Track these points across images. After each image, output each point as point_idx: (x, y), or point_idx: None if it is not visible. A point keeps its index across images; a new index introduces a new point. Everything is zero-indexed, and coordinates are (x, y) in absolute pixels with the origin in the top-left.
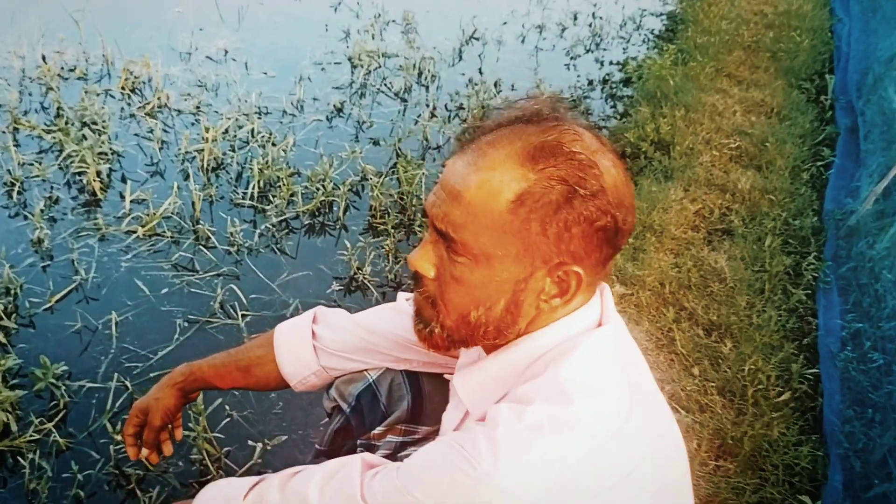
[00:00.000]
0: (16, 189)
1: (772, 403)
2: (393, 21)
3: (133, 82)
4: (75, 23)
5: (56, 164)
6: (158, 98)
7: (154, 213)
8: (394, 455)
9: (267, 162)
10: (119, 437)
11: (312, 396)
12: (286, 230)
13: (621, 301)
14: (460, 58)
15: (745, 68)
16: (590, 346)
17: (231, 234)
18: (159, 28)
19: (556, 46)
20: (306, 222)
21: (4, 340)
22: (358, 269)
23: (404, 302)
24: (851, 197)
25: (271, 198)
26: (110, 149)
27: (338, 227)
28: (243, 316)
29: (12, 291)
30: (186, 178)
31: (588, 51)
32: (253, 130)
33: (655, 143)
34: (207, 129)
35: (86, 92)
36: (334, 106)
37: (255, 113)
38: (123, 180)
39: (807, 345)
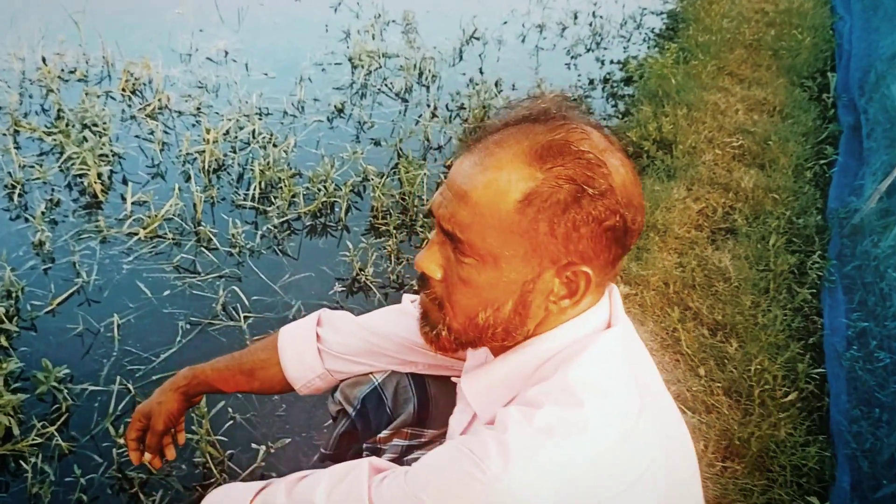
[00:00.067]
0: (17, 191)
1: (778, 404)
2: (393, 21)
3: (133, 84)
4: (75, 24)
5: (57, 167)
6: (159, 99)
7: (155, 215)
8: (400, 459)
9: (268, 163)
10: (122, 441)
11: (316, 399)
12: (288, 231)
13: (625, 301)
14: (461, 57)
15: (747, 66)
16: (599, 347)
17: (233, 235)
18: (159, 29)
19: (556, 46)
20: (308, 223)
21: (6, 344)
22: (360, 270)
23: (409, 304)
24: (855, 195)
25: (273, 199)
26: (111, 151)
27: (340, 227)
28: (245, 318)
29: (14, 294)
30: (188, 179)
31: (589, 50)
32: (254, 131)
33: (658, 142)
34: (208, 131)
35: (86, 94)
36: (335, 106)
37: (256, 114)
38: (124, 182)
39: (812, 344)
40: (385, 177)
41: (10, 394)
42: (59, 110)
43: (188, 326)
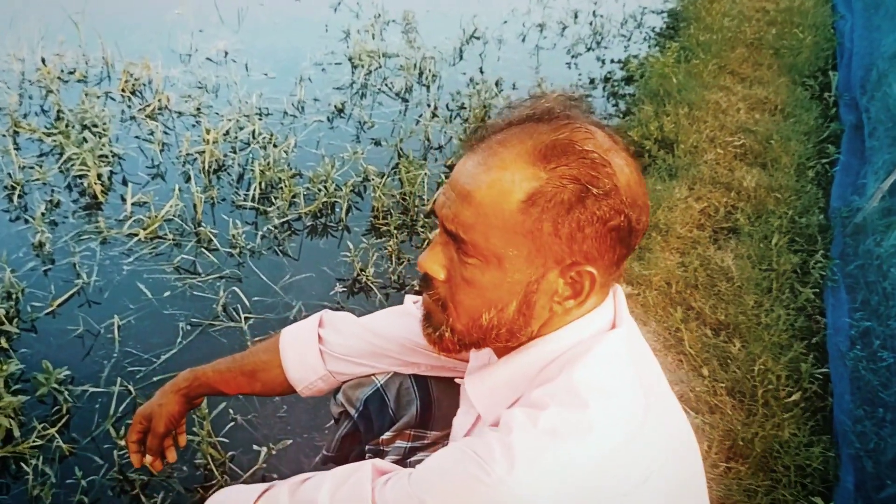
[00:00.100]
0: (16, 192)
1: (782, 404)
2: (393, 21)
3: (133, 84)
4: (75, 25)
5: (57, 168)
6: (159, 100)
7: (155, 216)
8: (403, 460)
9: (268, 163)
10: (123, 443)
11: (317, 400)
12: (288, 232)
13: (628, 301)
14: (461, 57)
15: (748, 65)
16: (604, 349)
17: (233, 236)
18: (159, 30)
19: (557, 45)
20: (308, 224)
21: (6, 345)
22: (361, 270)
23: (412, 305)
24: (858, 194)
25: (273, 199)
26: (111, 151)
27: (340, 228)
28: (246, 319)
29: (14, 296)
30: (188, 180)
31: (589, 49)
32: (254, 132)
33: (659, 141)
34: (208, 131)
35: (86, 94)
36: (335, 106)
37: (256, 114)
38: (124, 183)
39: (815, 344)
40: (386, 177)
41: (11, 395)
42: (58, 111)
43: (189, 327)
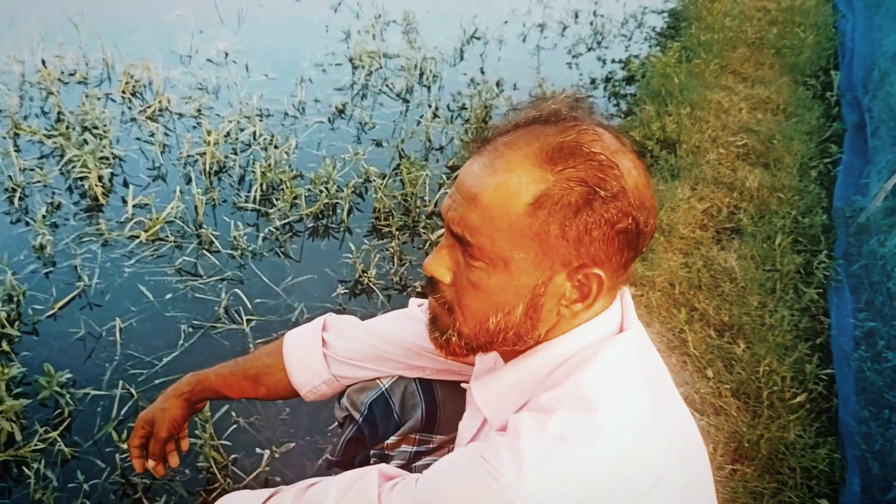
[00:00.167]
0: (17, 195)
1: (787, 405)
2: (393, 21)
3: (133, 86)
4: (74, 27)
5: (57, 170)
6: (159, 101)
7: (157, 218)
8: (408, 465)
9: (269, 165)
10: (125, 446)
11: (320, 402)
12: (290, 233)
13: None
14: (462, 57)
15: (750, 65)
16: (612, 352)
17: (234, 238)
18: (159, 31)
19: (557, 45)
20: (310, 225)
21: (8, 348)
22: (363, 271)
23: (416, 308)
24: (861, 194)
25: (274, 201)
26: (112, 153)
27: (342, 229)
28: (248, 321)
29: (15, 298)
30: (189, 181)
31: (590, 49)
32: (255, 133)
33: (661, 141)
34: (209, 133)
35: (86, 96)
36: (336, 107)
37: (257, 115)
38: (125, 185)
39: (820, 345)
40: (387, 178)
41: (13, 399)
42: (59, 113)
43: (190, 330)
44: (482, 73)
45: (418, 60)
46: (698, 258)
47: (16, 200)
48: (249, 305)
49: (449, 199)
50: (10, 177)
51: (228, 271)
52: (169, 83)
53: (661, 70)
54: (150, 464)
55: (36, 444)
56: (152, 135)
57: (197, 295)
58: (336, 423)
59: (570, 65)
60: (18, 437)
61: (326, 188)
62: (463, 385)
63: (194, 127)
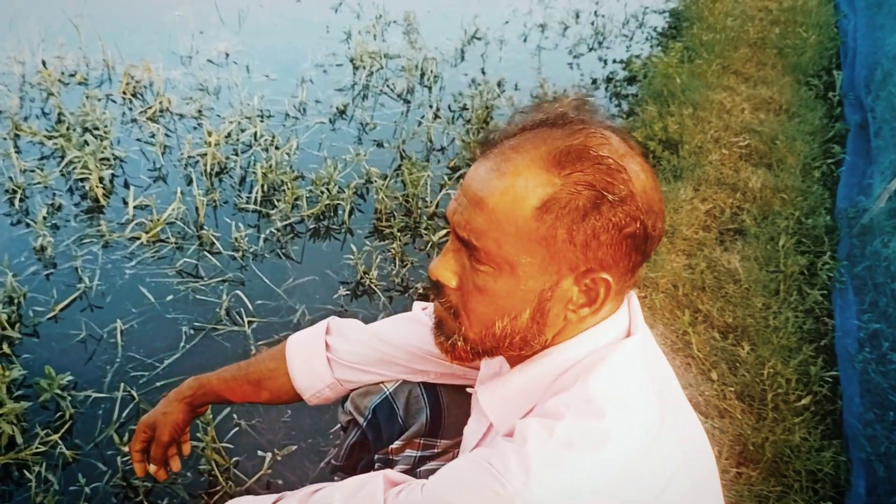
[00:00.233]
0: (18, 196)
1: (792, 408)
2: (394, 21)
3: (134, 87)
4: (75, 27)
5: (58, 171)
6: (160, 102)
7: (158, 219)
8: (413, 470)
9: (270, 166)
10: (126, 449)
11: (322, 405)
12: (291, 235)
13: None
14: (462, 58)
15: (752, 65)
16: (619, 357)
17: (236, 239)
18: (159, 31)
19: (558, 45)
20: (311, 226)
21: (8, 351)
22: (364, 273)
23: (420, 312)
24: (864, 194)
25: (275, 202)
26: (112, 154)
27: (343, 230)
28: (250, 322)
29: (16, 300)
30: (189, 183)
31: (591, 49)
32: (256, 134)
33: (663, 141)
34: (210, 133)
35: (87, 97)
36: (337, 108)
37: (258, 116)
38: (126, 186)
39: (824, 346)
40: (388, 179)
41: (14, 402)
42: (59, 114)
43: (192, 332)
44: (483, 73)
45: (419, 61)
46: (701, 259)
47: (16, 202)
48: (251, 307)
49: (455, 203)
50: (10, 178)
51: (229, 273)
52: (169, 84)
53: (663, 70)
54: (152, 468)
55: (37, 447)
56: (153, 136)
57: (198, 296)
58: (339, 426)
59: (572, 65)
60: (19, 439)
61: (328, 189)
62: (468, 390)
63: (195, 128)
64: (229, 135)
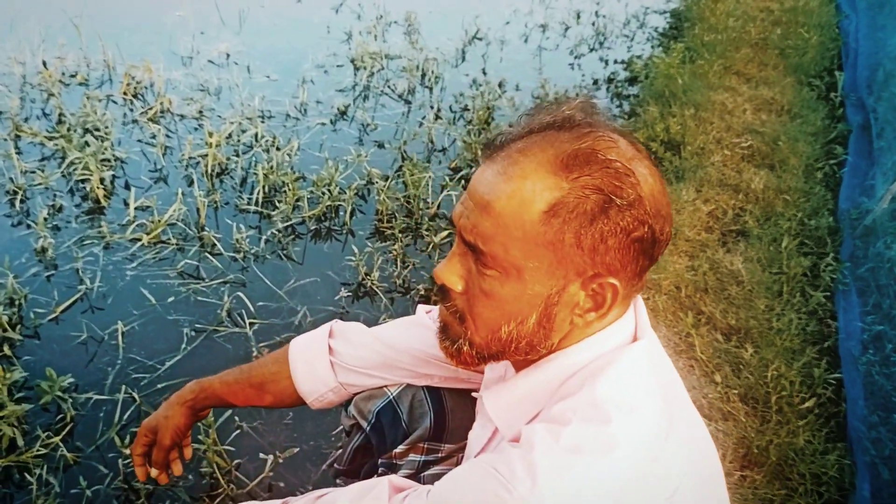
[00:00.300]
0: (18, 197)
1: (796, 410)
2: (395, 22)
3: (135, 87)
4: (75, 28)
5: (59, 172)
6: (161, 103)
7: (159, 221)
8: (417, 474)
9: (271, 167)
10: (128, 451)
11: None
12: (292, 236)
13: None
14: (463, 58)
15: (754, 66)
16: (626, 362)
17: (237, 240)
18: (160, 32)
19: (559, 46)
20: (312, 227)
21: (9, 353)
22: (366, 274)
23: (424, 315)
24: (866, 196)
25: (277, 203)
26: (113, 155)
27: (344, 231)
28: (251, 324)
29: (17, 302)
30: (190, 184)
31: (592, 49)
32: (256, 135)
33: (665, 142)
34: (211, 134)
35: (87, 98)
36: (338, 109)
37: (259, 117)
38: (127, 187)
39: (828, 348)
40: (389, 180)
41: (15, 404)
42: (60, 115)
43: (193, 333)
44: (484, 73)
45: (420, 61)
46: (704, 261)
47: (17, 203)
48: (252, 308)
49: (461, 207)
50: (11, 179)
51: (231, 274)
52: (170, 84)
53: (664, 71)
54: (154, 472)
55: (38, 450)
56: (154, 137)
57: (199, 298)
58: (341, 429)
59: (573, 65)
60: (20, 442)
61: (329, 190)
62: (473, 394)
63: (196, 129)
64: (230, 136)
